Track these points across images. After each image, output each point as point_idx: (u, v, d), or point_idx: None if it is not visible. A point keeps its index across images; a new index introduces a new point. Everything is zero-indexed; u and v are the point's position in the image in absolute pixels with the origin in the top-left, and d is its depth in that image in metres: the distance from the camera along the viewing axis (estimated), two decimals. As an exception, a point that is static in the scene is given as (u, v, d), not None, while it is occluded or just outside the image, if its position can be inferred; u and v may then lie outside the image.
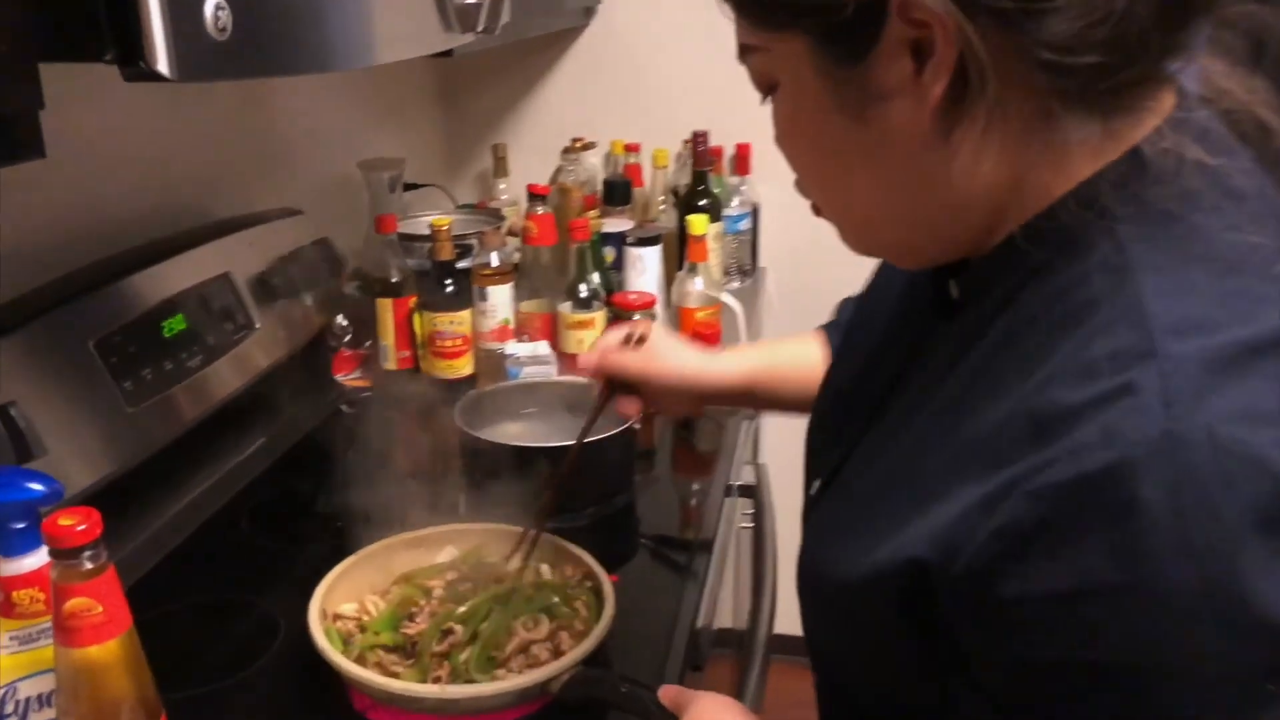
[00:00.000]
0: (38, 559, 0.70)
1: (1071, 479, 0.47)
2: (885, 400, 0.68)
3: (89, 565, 0.67)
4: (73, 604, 0.67)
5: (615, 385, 1.03)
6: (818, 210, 0.65)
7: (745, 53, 0.60)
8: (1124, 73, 0.51)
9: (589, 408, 1.05)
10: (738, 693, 1.06)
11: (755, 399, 1.03)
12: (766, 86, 0.60)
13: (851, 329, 0.81)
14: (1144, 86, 0.53)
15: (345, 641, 0.90)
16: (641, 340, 1.03)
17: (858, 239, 0.64)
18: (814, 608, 0.67)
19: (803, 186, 0.64)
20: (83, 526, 0.67)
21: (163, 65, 0.56)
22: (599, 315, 1.54)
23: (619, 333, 1.04)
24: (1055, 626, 0.48)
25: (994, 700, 0.53)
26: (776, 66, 0.58)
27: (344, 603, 0.95)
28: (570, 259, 1.56)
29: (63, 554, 0.66)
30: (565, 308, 1.54)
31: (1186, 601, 0.45)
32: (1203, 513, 0.45)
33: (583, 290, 1.54)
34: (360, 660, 0.88)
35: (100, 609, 0.68)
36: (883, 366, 0.70)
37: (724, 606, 1.39)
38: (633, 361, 1.01)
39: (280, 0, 0.68)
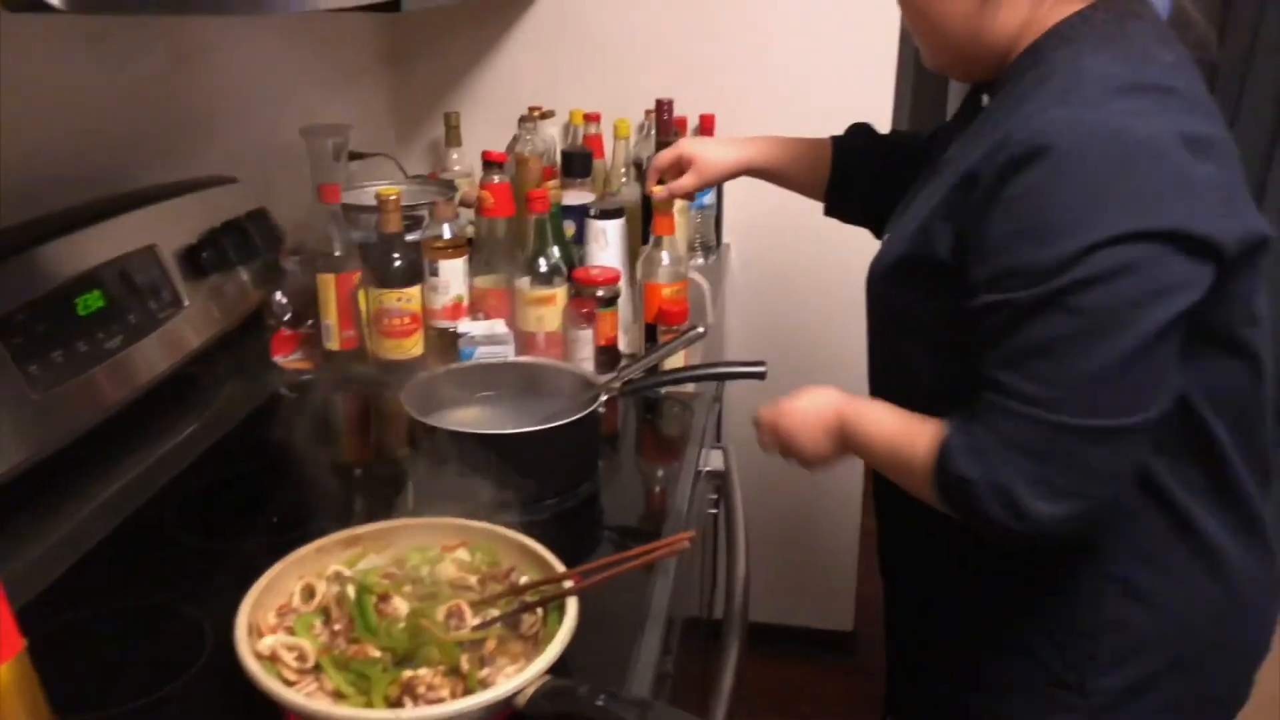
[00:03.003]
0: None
1: (1006, 159, 0.81)
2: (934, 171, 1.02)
3: (-35, 584, 0.57)
4: (-54, 629, 0.57)
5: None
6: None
7: None
8: None
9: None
10: (715, 683, 0.98)
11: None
12: None
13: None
14: None
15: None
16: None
17: (930, 58, 1.00)
18: (871, 306, 1.03)
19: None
20: (-43, 538, 0.57)
21: (49, -10, 0.48)
22: (560, 291, 1.45)
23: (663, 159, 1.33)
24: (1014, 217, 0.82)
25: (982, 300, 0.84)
26: None
27: (274, 614, 0.86)
28: (529, 231, 1.47)
29: (-67, 571, 0.57)
30: (523, 283, 1.45)
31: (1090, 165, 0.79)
32: (1099, 138, 0.79)
33: (542, 265, 1.44)
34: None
35: (-20, 634, 0.58)
36: (934, 162, 1.04)
37: (688, 598, 1.31)
38: (688, 183, 1.33)
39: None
